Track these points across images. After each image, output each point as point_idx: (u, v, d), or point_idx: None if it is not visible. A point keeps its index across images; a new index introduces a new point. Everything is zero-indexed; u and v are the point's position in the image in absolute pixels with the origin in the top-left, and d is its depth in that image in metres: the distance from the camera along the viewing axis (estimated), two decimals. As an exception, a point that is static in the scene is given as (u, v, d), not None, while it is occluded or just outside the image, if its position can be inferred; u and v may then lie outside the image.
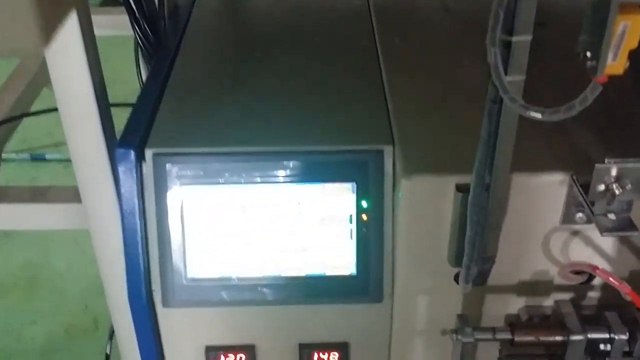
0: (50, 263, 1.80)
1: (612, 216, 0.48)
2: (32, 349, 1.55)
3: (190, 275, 0.58)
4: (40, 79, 0.96)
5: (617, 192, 0.46)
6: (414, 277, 0.57)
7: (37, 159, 2.18)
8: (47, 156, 2.18)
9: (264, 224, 0.57)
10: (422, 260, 0.56)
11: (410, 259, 0.56)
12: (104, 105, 0.61)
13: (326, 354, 0.62)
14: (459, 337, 0.54)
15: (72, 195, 0.70)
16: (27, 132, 2.13)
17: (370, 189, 0.56)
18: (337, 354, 0.62)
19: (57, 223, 0.75)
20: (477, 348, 0.56)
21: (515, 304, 0.59)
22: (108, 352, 0.96)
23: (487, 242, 0.51)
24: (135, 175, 0.55)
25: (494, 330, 0.55)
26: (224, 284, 0.58)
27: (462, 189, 0.51)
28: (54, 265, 1.79)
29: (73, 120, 0.61)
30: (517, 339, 0.54)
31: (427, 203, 0.54)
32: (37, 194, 0.76)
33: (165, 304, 0.59)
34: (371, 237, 0.57)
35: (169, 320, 0.60)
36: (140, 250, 0.57)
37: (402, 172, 0.53)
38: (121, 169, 0.55)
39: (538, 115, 0.39)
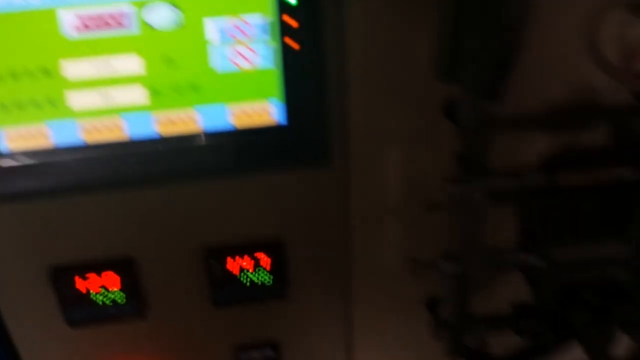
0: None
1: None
2: None
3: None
4: None
5: None
6: (382, 119, 0.38)
7: None
8: None
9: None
10: (391, 90, 0.37)
11: (374, 90, 0.37)
12: None
13: (248, 255, 0.41)
14: (458, 187, 0.37)
15: None
16: None
17: None
18: (264, 254, 0.41)
19: None
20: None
21: (542, 142, 0.41)
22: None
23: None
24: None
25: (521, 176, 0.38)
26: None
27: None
28: None
29: None
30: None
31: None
32: None
33: None
34: (305, 59, 0.36)
35: None
36: None
37: None
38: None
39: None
